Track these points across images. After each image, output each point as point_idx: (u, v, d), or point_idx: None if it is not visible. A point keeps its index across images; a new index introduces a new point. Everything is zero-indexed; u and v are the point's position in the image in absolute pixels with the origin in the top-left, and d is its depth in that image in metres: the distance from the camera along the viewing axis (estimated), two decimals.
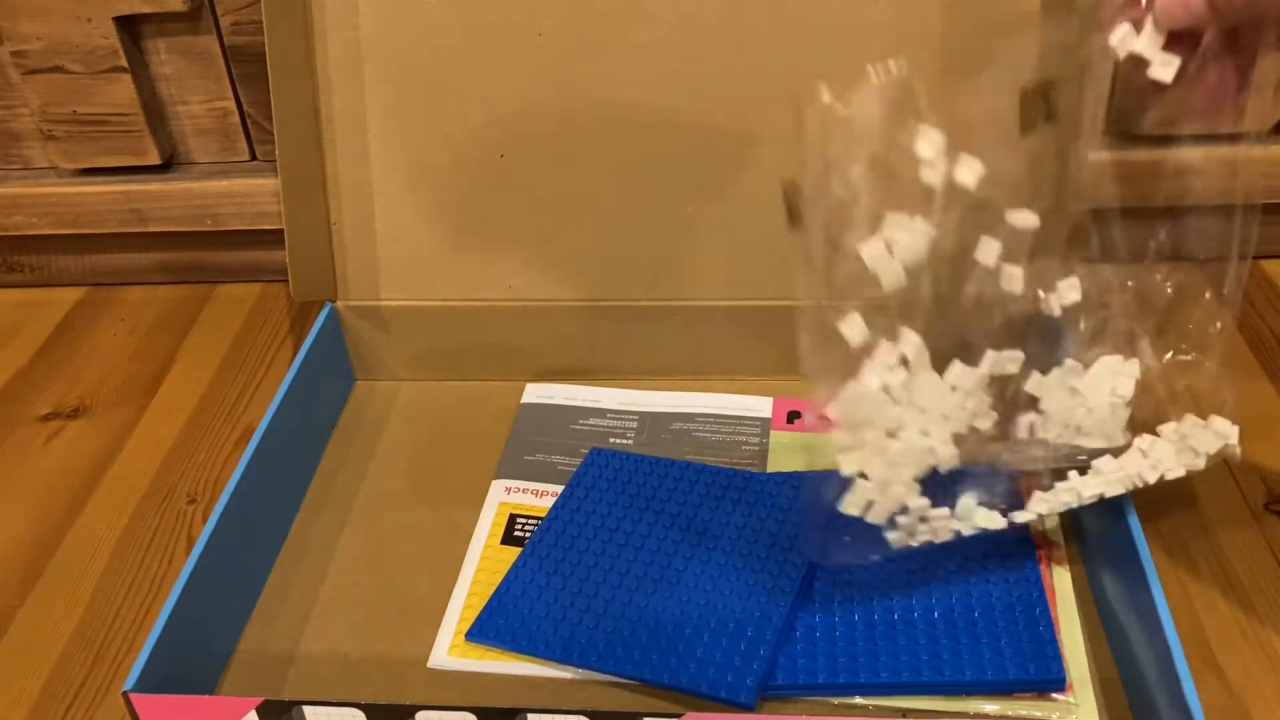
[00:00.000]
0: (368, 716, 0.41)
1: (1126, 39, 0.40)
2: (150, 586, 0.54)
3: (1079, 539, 0.51)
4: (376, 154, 0.59)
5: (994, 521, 0.46)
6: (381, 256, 0.61)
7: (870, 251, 0.42)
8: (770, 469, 0.56)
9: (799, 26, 0.54)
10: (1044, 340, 0.47)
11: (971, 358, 0.45)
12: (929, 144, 0.42)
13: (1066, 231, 0.46)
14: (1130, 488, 0.46)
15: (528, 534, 0.53)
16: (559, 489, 0.55)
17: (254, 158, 0.72)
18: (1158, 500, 0.54)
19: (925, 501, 0.45)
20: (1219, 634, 0.47)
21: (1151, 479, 0.46)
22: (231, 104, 0.70)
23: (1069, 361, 0.47)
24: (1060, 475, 0.47)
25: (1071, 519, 0.52)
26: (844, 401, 0.44)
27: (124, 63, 0.67)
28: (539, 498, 0.55)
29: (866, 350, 0.43)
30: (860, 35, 0.53)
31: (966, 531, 0.46)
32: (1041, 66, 0.43)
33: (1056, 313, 0.47)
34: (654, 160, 0.57)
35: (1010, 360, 0.45)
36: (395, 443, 0.61)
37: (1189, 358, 0.47)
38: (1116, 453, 0.46)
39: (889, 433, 0.44)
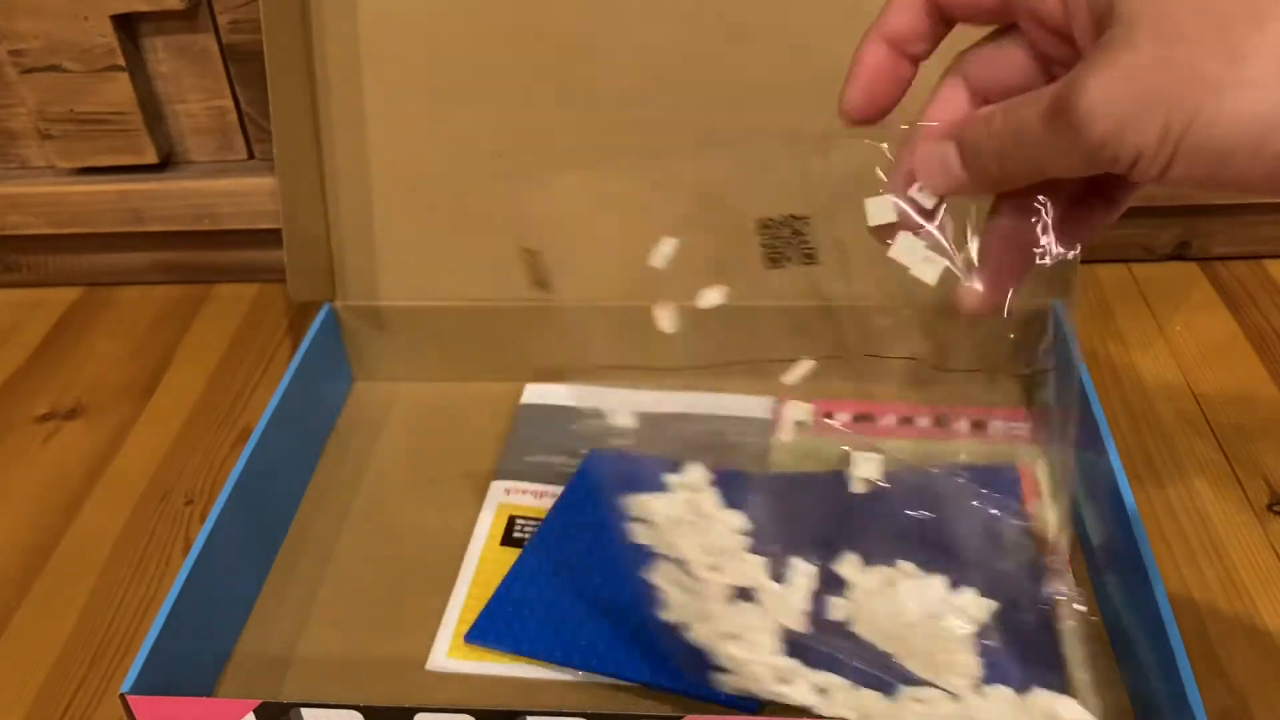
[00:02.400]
0: (366, 718, 0.41)
1: (880, 208, 0.34)
2: (147, 588, 0.53)
3: (1081, 539, 0.51)
4: (375, 153, 0.58)
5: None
6: (380, 256, 0.61)
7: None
8: (771, 469, 0.56)
9: (800, 25, 0.54)
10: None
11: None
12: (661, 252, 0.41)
13: None
14: None
15: (527, 535, 0.53)
16: (559, 490, 0.55)
17: (252, 157, 0.72)
18: (1160, 500, 0.54)
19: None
20: (1222, 635, 0.47)
21: None
22: (229, 103, 0.70)
23: (901, 563, 0.42)
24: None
25: (1075, 519, 0.52)
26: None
27: (121, 61, 0.66)
28: (538, 499, 0.55)
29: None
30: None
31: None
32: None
33: (855, 489, 0.42)
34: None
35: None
36: (393, 444, 0.61)
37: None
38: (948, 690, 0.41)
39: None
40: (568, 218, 0.42)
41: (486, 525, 0.54)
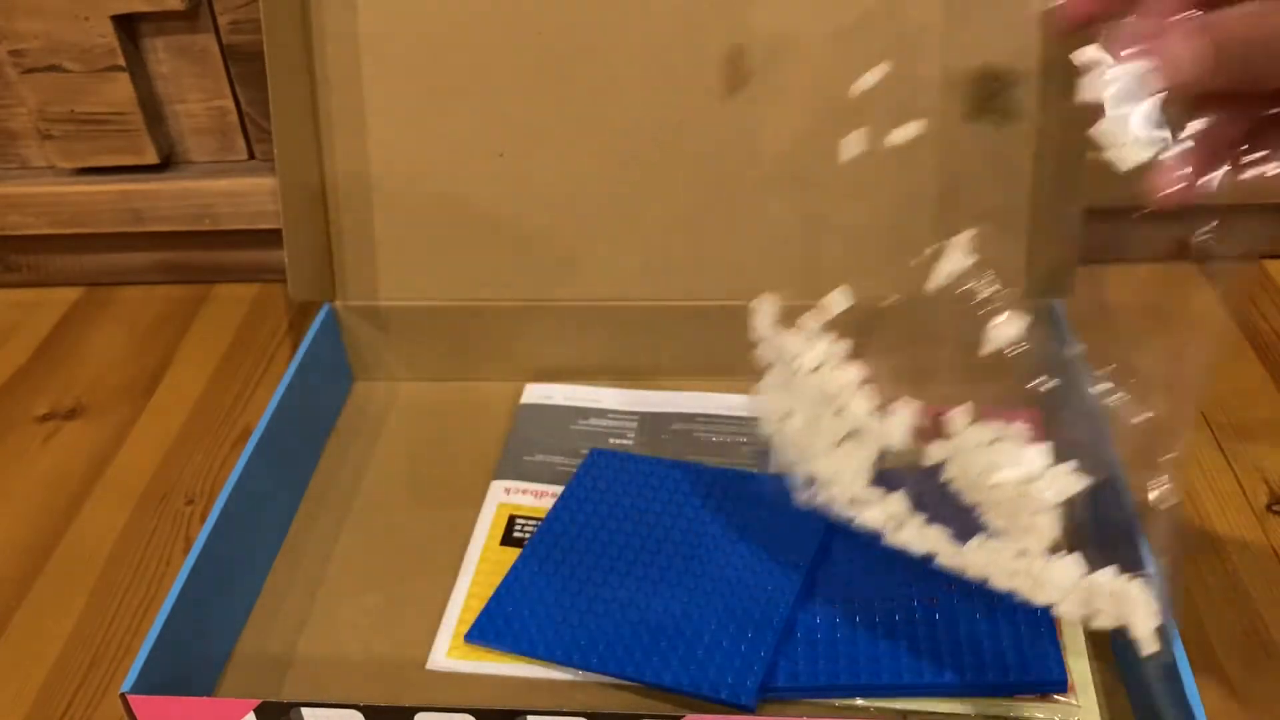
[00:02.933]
0: (366, 718, 0.41)
1: (1100, 81, 0.33)
2: (148, 588, 0.53)
3: None
4: (375, 153, 0.58)
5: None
6: (380, 256, 0.61)
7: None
8: (771, 470, 0.56)
9: (799, 25, 0.54)
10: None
11: None
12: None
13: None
14: (1012, 590, 0.40)
15: (527, 535, 0.53)
16: (559, 490, 0.55)
17: (252, 157, 0.72)
18: None
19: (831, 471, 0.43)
20: (1221, 635, 0.47)
21: (1038, 599, 0.40)
22: (229, 103, 0.70)
23: (1017, 424, 0.41)
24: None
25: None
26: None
27: (122, 62, 0.66)
28: (538, 498, 0.55)
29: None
30: (869, 37, 0.53)
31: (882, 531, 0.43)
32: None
33: (986, 349, 0.43)
34: (654, 159, 0.57)
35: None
36: (394, 443, 0.61)
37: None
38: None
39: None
40: (778, 25, 0.43)
41: (486, 525, 0.54)
